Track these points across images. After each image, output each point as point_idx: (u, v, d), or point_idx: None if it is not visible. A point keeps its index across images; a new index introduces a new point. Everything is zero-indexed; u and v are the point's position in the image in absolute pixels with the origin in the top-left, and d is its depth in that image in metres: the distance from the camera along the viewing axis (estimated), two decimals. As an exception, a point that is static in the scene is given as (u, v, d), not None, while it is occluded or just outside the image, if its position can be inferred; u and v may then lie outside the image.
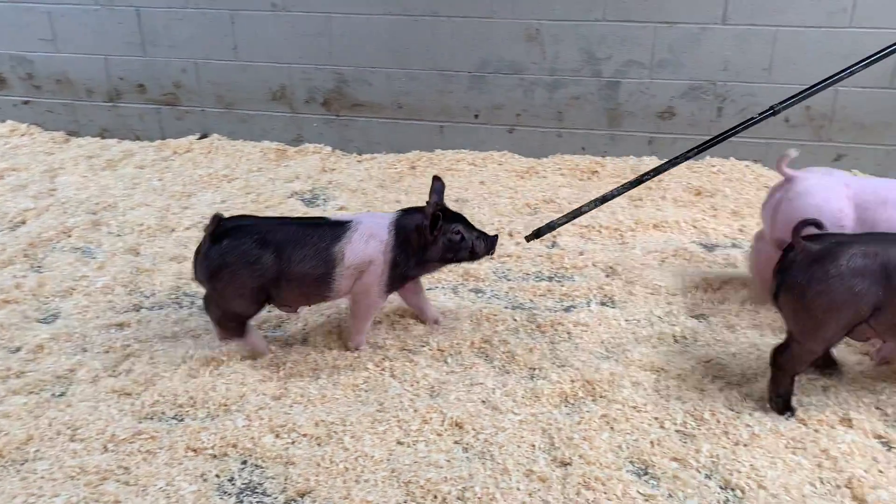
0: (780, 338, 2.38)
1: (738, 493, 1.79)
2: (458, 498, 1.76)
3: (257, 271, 2.15)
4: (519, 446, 1.92)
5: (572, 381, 2.18)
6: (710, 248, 3.05)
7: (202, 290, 2.74)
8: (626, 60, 3.68)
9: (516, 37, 3.75)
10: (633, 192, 3.49)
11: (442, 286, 2.76)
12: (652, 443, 1.94)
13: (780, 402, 2.04)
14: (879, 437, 1.97)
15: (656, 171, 2.61)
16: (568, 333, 2.44)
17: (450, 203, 3.40)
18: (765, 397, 2.09)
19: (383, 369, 2.25)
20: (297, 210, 3.39)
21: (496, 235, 2.36)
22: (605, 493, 1.76)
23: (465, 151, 4.00)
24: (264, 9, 3.95)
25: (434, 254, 2.28)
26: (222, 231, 2.18)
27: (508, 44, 3.77)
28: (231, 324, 2.28)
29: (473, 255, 2.32)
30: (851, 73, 2.47)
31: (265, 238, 2.16)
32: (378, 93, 4.00)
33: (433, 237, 2.24)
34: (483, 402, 2.09)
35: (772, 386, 2.05)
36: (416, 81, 3.94)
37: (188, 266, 2.90)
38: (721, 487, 1.81)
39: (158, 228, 3.23)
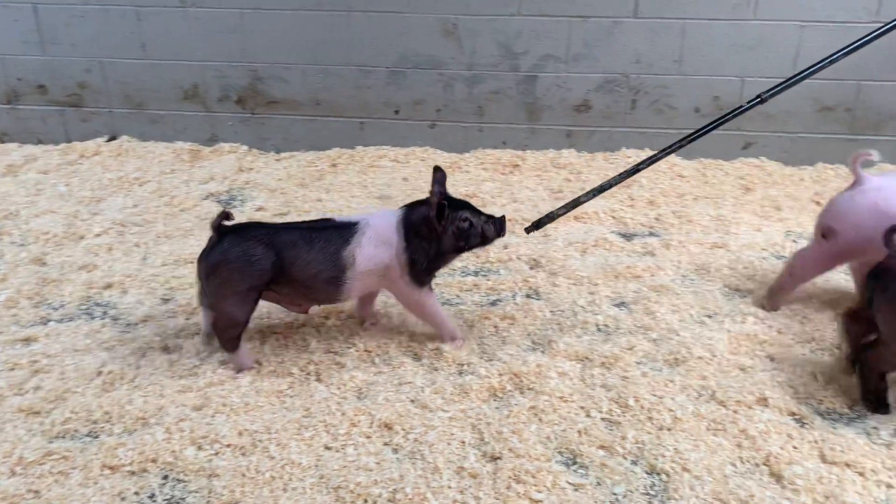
0: (700, 322, 2.47)
1: (664, 477, 1.83)
2: (389, 500, 1.73)
3: (254, 272, 2.11)
4: (449, 444, 1.91)
5: (500, 375, 2.18)
6: (628, 237, 3.12)
7: (115, 300, 2.64)
8: (542, 55, 3.72)
9: (434, 32, 3.74)
10: (554, 184, 3.56)
11: (367, 285, 2.73)
12: (579, 432, 1.96)
13: (873, 400, 2.05)
14: (793, 414, 2.05)
15: (650, 161, 2.60)
16: (495, 327, 2.45)
17: (371, 201, 3.38)
18: (687, 383, 2.15)
19: (308, 373, 2.20)
20: (213, 211, 3.28)
21: (503, 216, 2.31)
22: (535, 485, 1.77)
23: (386, 147, 3.96)
24: (172, 5, 3.81)
25: (446, 245, 2.24)
26: (227, 229, 2.15)
27: (426, 39, 3.75)
28: (227, 332, 2.18)
29: (485, 240, 2.29)
30: (832, 62, 2.49)
31: (269, 239, 2.13)
32: (294, 89, 3.92)
33: (442, 228, 2.20)
34: (412, 401, 2.07)
35: (862, 385, 2.07)
36: (334, 77, 3.88)
37: (99, 275, 2.78)
38: (647, 472, 1.85)
39: (66, 236, 3.07)
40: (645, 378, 2.18)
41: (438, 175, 2.28)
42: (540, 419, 2.01)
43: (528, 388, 2.13)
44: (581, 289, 2.69)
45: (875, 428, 2.00)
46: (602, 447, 1.93)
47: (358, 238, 2.18)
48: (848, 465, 1.85)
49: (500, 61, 3.75)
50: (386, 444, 1.93)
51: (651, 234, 3.14)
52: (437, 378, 2.18)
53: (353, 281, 2.20)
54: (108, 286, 2.72)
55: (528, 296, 2.66)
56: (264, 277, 2.13)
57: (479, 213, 2.29)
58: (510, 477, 1.79)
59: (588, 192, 2.60)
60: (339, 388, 2.13)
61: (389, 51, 3.80)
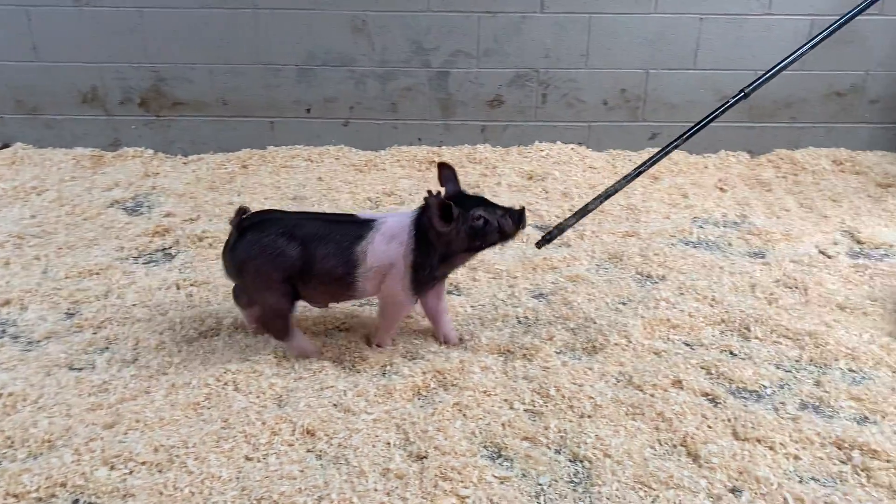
0: (616, 309, 2.52)
1: (587, 464, 1.86)
2: (315, 507, 1.70)
3: (282, 264, 2.09)
4: (374, 446, 1.89)
5: (424, 373, 2.17)
6: (544, 229, 3.15)
7: (14, 317, 2.49)
8: (453, 50, 3.73)
9: (343, 28, 3.69)
10: (471, 180, 3.58)
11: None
12: (503, 425, 1.98)
13: None
14: (706, 394, 2.12)
15: (651, 161, 2.51)
16: (417, 326, 2.44)
17: (286, 202, 3.31)
18: (605, 370, 2.19)
19: (226, 383, 2.13)
20: (119, 220, 3.15)
21: (523, 208, 2.16)
22: (461, 481, 1.77)
23: (299, 147, 3.89)
24: (66, 4, 3.62)
25: (459, 245, 2.13)
26: (248, 224, 2.13)
27: (335, 35, 3.70)
28: (274, 323, 2.20)
29: (504, 236, 2.15)
30: (813, 47, 2.51)
31: (291, 231, 2.11)
32: (200, 90, 3.80)
33: (454, 229, 2.08)
34: (335, 405, 2.04)
35: None
36: (241, 77, 3.78)
37: (-6, 291, 2.62)
38: (570, 461, 1.88)
39: (-44, 252, 2.88)
40: (565, 367, 2.21)
41: (446, 172, 2.19)
42: (464, 415, 2.01)
43: (452, 385, 2.13)
44: (500, 282, 2.72)
45: (783, 403, 2.09)
46: (526, 438, 1.95)
47: (371, 235, 2.12)
48: (759, 441, 1.94)
49: (412, 57, 3.74)
50: (309, 450, 1.89)
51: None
52: (360, 380, 2.15)
53: (364, 279, 2.14)
54: (6, 303, 2.57)
55: (448, 292, 2.66)
56: (294, 267, 2.10)
57: (495, 207, 2.15)
58: (436, 475, 1.79)
59: (595, 199, 2.52)
60: (258, 397, 2.08)
61: (298, 48, 3.72)
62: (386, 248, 2.12)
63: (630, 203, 3.36)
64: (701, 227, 3.18)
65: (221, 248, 2.24)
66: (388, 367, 2.22)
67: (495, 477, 1.81)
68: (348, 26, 3.68)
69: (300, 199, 3.35)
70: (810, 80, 3.72)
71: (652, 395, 2.10)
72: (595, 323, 2.44)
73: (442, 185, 2.20)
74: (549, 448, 1.92)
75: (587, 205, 2.48)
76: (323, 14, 3.66)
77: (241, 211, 2.15)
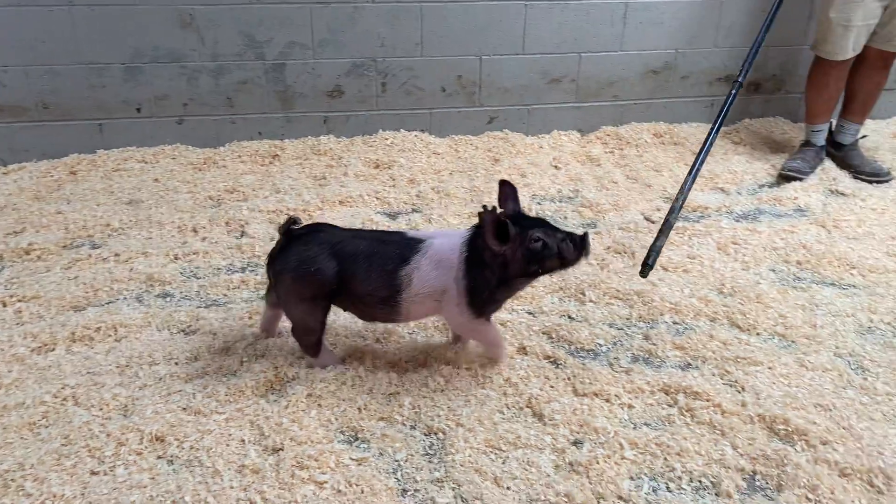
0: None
1: (441, 435, 1.94)
2: (169, 513, 1.66)
3: (317, 281, 2.00)
4: (228, 445, 1.87)
5: (276, 368, 2.17)
6: (393, 216, 3.21)
7: None
8: (287, 42, 3.68)
9: (170, 23, 3.55)
10: (317, 172, 3.56)
11: (125, 296, 2.56)
12: (359, 409, 2.01)
13: None
14: (548, 357, 2.26)
15: (702, 155, 2.66)
16: (266, 321, 2.42)
17: (120, 206, 3.16)
18: (463, 340, 2.28)
19: (64, 399, 2.03)
20: (-69, 239, 2.89)
21: (586, 233, 2.00)
22: (318, 468, 1.79)
23: (131, 149, 3.71)
24: None
25: (515, 269, 1.98)
26: (295, 235, 2.05)
27: (162, 31, 3.55)
28: (304, 339, 2.14)
29: (564, 262, 2.00)
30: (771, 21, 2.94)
31: (332, 249, 2.02)
32: (16, 94, 3.53)
33: (510, 250, 1.94)
34: (184, 409, 1.99)
35: None
36: (62, 78, 3.55)
37: None
38: (425, 434, 1.95)
39: None
40: (420, 346, 2.28)
41: (507, 189, 2.05)
42: (319, 404, 2.03)
43: (306, 377, 2.14)
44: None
45: (616, 358, 2.26)
46: (382, 419, 1.99)
47: (417, 259, 2.00)
48: (596, 395, 2.09)
49: (245, 50, 3.66)
50: (160, 457, 1.84)
51: (414, 211, 3.26)
52: (209, 382, 2.11)
53: (408, 303, 2.03)
54: None
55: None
56: (327, 287, 2.02)
57: (556, 230, 2.00)
58: (293, 465, 1.80)
59: (672, 212, 2.59)
60: (101, 409, 1.99)
61: (123, 46, 3.55)
62: (435, 272, 2.00)
63: (473, 185, 3.48)
64: (539, 203, 3.35)
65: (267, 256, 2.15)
66: (239, 368, 2.19)
67: (352, 459, 1.84)
68: (176, 21, 3.55)
69: (136, 204, 3.21)
70: (629, 60, 4.00)
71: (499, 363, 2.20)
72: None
73: (500, 205, 2.06)
74: (404, 425, 1.98)
75: (668, 217, 2.53)
76: (146, 9, 3.50)
77: (291, 221, 2.06)
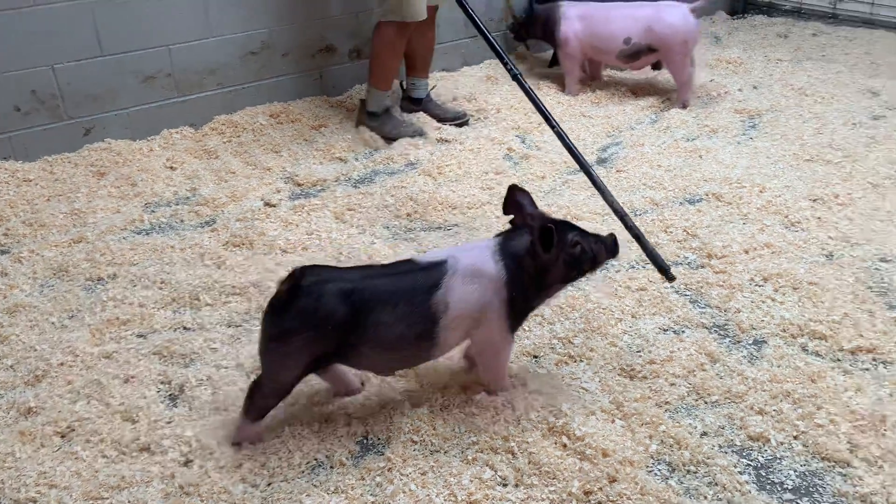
0: (62, 326, 2.33)
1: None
2: None
3: (320, 340, 1.75)
4: None
5: None
6: (-24, 264, 2.78)
7: None
8: None
9: None
10: None
11: None
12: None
13: None
14: (164, 382, 2.12)
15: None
16: None
17: None
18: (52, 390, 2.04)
19: None
20: None
21: (614, 235, 1.95)
22: None
23: None
24: None
25: (556, 275, 1.89)
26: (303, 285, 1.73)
27: None
28: (263, 398, 1.82)
29: (595, 265, 1.95)
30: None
31: (344, 294, 1.74)
32: None
33: (555, 256, 1.83)
34: None
35: None
36: None
37: None
38: (14, 511, 1.72)
39: None
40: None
41: (519, 194, 1.92)
42: None
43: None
44: None
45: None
46: None
47: (448, 280, 1.81)
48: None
49: None
50: None
51: (4, 253, 2.85)
52: None
53: (447, 331, 1.83)
54: None
55: None
56: (330, 347, 1.78)
57: (586, 233, 1.94)
58: None
59: (624, 217, 2.31)
60: None
61: None
62: (472, 288, 1.84)
63: (74, 208, 3.14)
64: (153, 211, 3.14)
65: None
66: None
67: None
68: None
69: None
70: (223, 45, 3.87)
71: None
72: (36, 350, 2.24)
73: (505, 212, 1.95)
74: None
75: (630, 226, 2.27)
76: None
77: (299, 274, 1.73)
